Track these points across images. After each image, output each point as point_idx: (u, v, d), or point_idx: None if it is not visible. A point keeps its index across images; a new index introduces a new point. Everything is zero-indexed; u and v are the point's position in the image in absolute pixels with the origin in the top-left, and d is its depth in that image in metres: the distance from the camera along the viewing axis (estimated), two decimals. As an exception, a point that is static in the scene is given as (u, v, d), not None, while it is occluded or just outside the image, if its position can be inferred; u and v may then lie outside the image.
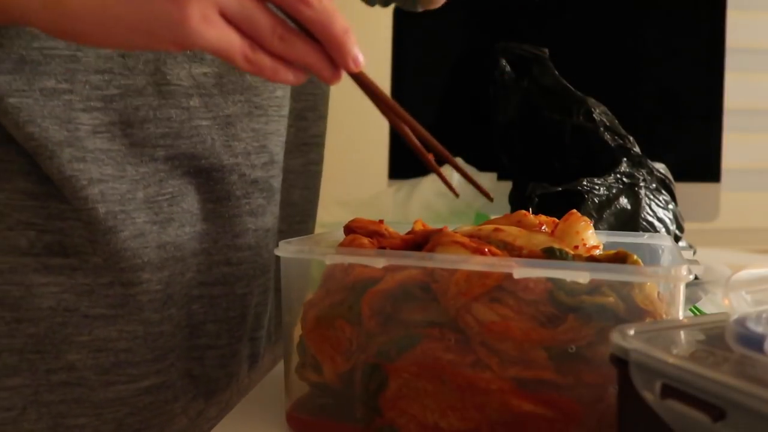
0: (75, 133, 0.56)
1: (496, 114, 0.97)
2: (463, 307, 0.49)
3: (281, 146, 0.69)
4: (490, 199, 0.59)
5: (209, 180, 0.64)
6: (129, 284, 0.60)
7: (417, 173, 1.12)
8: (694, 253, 0.83)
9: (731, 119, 1.20)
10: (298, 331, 0.56)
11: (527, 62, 0.95)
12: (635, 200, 0.85)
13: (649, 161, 0.89)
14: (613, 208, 0.83)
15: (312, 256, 0.55)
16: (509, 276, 0.48)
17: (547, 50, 0.95)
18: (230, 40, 0.46)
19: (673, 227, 0.87)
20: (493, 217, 0.62)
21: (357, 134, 1.31)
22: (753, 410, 0.32)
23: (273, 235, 0.71)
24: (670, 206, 0.88)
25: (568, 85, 0.93)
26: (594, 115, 0.90)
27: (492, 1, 1.17)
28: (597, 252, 0.54)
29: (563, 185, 0.84)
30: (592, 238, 0.55)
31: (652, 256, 0.60)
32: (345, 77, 0.50)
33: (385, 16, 1.14)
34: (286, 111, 0.69)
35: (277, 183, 0.69)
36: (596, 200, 0.83)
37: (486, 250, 0.51)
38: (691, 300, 0.79)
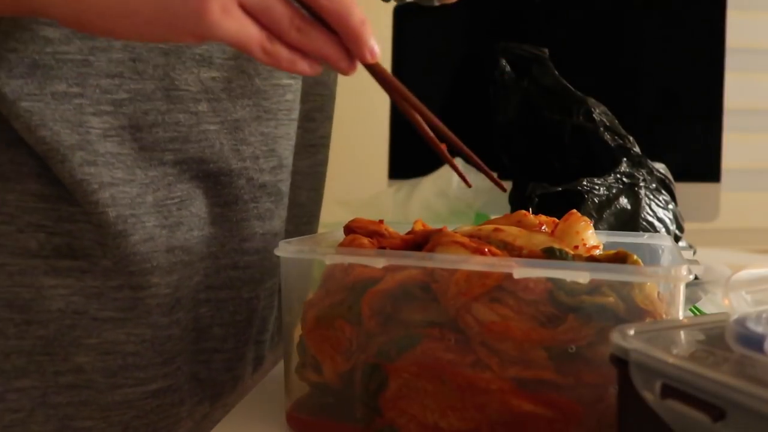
0: (86, 136, 0.56)
1: (496, 114, 0.97)
2: (463, 307, 0.49)
3: (290, 150, 0.69)
4: (504, 189, 0.60)
5: (217, 184, 0.64)
6: (138, 288, 0.60)
7: (417, 173, 1.12)
8: (694, 253, 0.83)
9: (731, 119, 1.20)
10: (298, 331, 0.56)
11: (527, 62, 0.95)
12: (635, 200, 0.85)
13: (649, 161, 0.89)
14: (613, 208, 0.83)
15: (312, 256, 0.55)
16: (509, 276, 0.48)
17: (547, 50, 0.95)
18: (249, 32, 0.46)
19: (673, 227, 0.87)
20: (493, 217, 0.62)
21: (357, 134, 1.31)
22: (753, 410, 0.32)
23: (281, 239, 0.71)
24: (670, 206, 0.88)
25: (568, 85, 0.93)
26: (594, 115, 0.90)
27: (492, 1, 1.17)
28: (597, 252, 0.54)
29: (563, 185, 0.84)
30: (592, 238, 0.55)
31: (652, 256, 0.60)
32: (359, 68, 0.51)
33: (385, 15, 1.14)
34: (295, 114, 0.69)
35: (285, 187, 0.69)
36: (596, 200, 0.83)
37: (486, 250, 0.51)
38: (691, 300, 0.78)
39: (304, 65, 0.48)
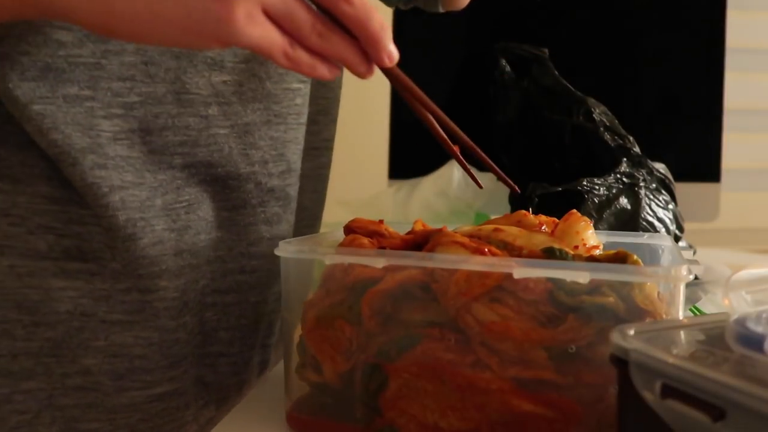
0: (96, 139, 0.56)
1: (496, 114, 0.97)
2: (463, 307, 0.49)
3: (299, 154, 0.69)
4: (517, 192, 0.60)
5: (225, 188, 0.64)
6: (146, 291, 0.60)
7: (417, 173, 1.12)
8: (694, 253, 0.83)
9: (731, 119, 1.20)
10: (298, 331, 0.56)
11: (527, 62, 0.95)
12: (635, 200, 0.85)
13: (649, 161, 0.89)
14: (613, 208, 0.83)
15: (312, 256, 0.55)
16: (509, 276, 0.48)
17: (547, 50, 0.95)
18: (272, 37, 0.46)
19: (673, 227, 0.87)
20: (493, 217, 0.62)
21: (357, 134, 1.31)
22: (753, 410, 0.32)
23: None
24: (670, 206, 0.88)
25: (568, 85, 0.93)
26: (594, 115, 0.90)
27: (492, 2, 1.17)
28: (597, 252, 0.54)
29: (563, 185, 0.84)
30: (592, 238, 0.55)
31: (652, 256, 0.60)
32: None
33: (385, 16, 1.14)
34: (304, 119, 0.69)
35: (293, 191, 0.69)
36: (596, 200, 0.83)
37: (486, 250, 0.51)
38: (691, 300, 0.78)
39: (323, 69, 0.49)
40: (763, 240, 1.72)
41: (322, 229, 0.81)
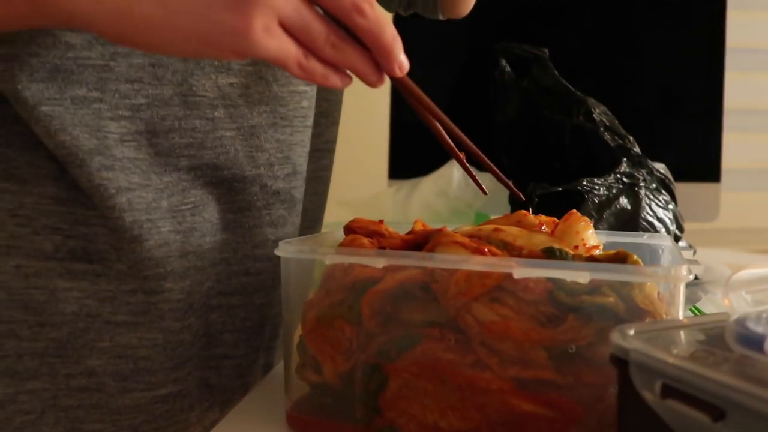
0: (104, 141, 0.56)
1: (496, 114, 0.97)
2: (463, 307, 0.49)
3: (305, 157, 0.69)
4: (521, 199, 0.61)
5: (231, 190, 0.64)
6: (151, 292, 0.60)
7: (417, 173, 1.12)
8: (694, 253, 0.83)
9: (731, 119, 1.20)
10: (298, 331, 0.56)
11: (527, 62, 0.95)
12: (635, 200, 0.85)
13: (649, 161, 0.89)
14: (613, 208, 0.83)
15: (312, 256, 0.55)
16: (509, 276, 0.48)
17: (547, 50, 0.95)
18: (287, 49, 0.47)
19: (673, 227, 0.87)
20: (493, 217, 0.62)
21: (357, 134, 1.31)
22: (753, 410, 0.32)
23: None
24: (670, 206, 0.88)
25: (568, 85, 0.93)
26: (594, 115, 0.90)
27: (492, 2, 1.17)
28: (597, 252, 0.54)
29: (563, 185, 0.84)
30: (592, 238, 0.55)
31: (652, 256, 0.60)
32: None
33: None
34: (310, 122, 0.69)
35: (299, 194, 0.69)
36: (596, 200, 0.83)
37: (486, 250, 0.51)
38: (691, 300, 0.79)
39: (335, 79, 0.50)
40: (763, 240, 1.72)
41: (323, 230, 0.81)
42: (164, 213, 0.60)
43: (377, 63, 0.50)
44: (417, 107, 0.56)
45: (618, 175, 0.85)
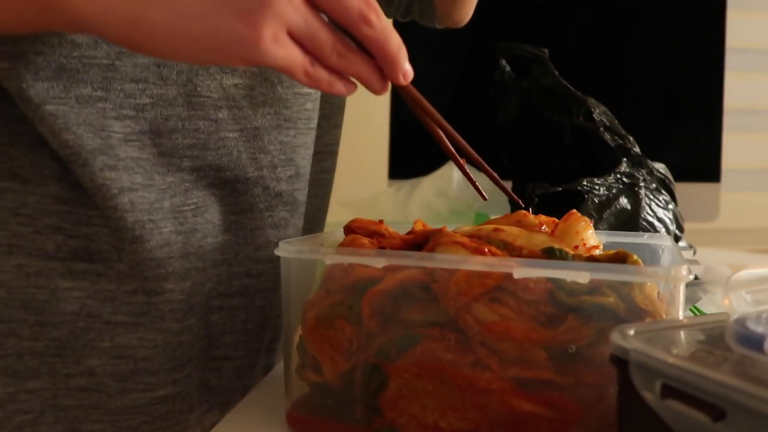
0: (108, 141, 0.56)
1: (496, 114, 0.97)
2: (463, 307, 0.49)
3: (308, 159, 0.69)
4: (521, 206, 0.61)
5: (233, 192, 0.64)
6: (152, 293, 0.60)
7: (417, 173, 1.12)
8: (694, 253, 0.83)
9: (731, 119, 1.20)
10: (298, 332, 0.56)
11: (527, 62, 0.95)
12: (635, 200, 0.85)
13: (649, 161, 0.89)
14: (613, 208, 0.83)
15: (312, 256, 0.55)
16: (509, 276, 0.48)
17: (547, 50, 0.95)
18: (295, 57, 0.48)
19: (673, 227, 0.87)
20: (493, 217, 0.62)
21: (357, 135, 1.31)
22: (753, 410, 0.32)
23: None
24: (670, 206, 0.88)
25: (568, 85, 0.93)
26: (594, 115, 0.90)
27: (493, 2, 1.17)
28: (597, 252, 0.54)
29: (563, 185, 0.84)
30: (592, 238, 0.55)
31: (652, 256, 0.60)
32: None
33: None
34: (314, 124, 0.69)
35: (302, 196, 0.69)
36: (596, 200, 0.83)
37: (486, 250, 0.51)
38: (691, 300, 0.79)
39: (341, 86, 0.51)
40: (763, 240, 1.72)
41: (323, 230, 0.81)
42: (166, 213, 0.60)
43: (382, 71, 0.51)
44: (419, 113, 0.57)
45: (618, 175, 0.85)
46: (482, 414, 0.48)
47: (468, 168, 0.59)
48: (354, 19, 0.48)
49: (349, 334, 0.52)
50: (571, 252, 0.51)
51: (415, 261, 0.51)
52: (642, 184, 0.85)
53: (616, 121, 0.91)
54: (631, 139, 0.90)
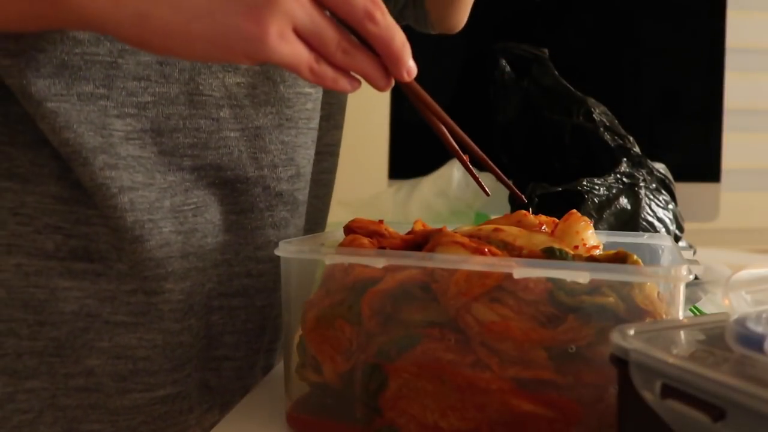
0: (109, 139, 0.56)
1: (496, 114, 0.97)
2: (463, 307, 0.49)
3: (308, 159, 0.69)
4: (523, 201, 0.62)
5: (233, 191, 0.64)
6: (152, 293, 0.60)
7: (417, 173, 1.12)
8: (694, 253, 0.83)
9: (731, 119, 1.20)
10: (298, 332, 0.56)
11: (527, 62, 0.95)
12: (635, 200, 0.85)
13: (649, 161, 0.89)
14: (613, 208, 0.83)
15: (312, 256, 0.55)
16: (509, 276, 0.48)
17: (547, 50, 0.95)
18: (300, 54, 0.48)
19: (673, 227, 0.87)
20: (493, 217, 0.62)
21: (357, 134, 1.31)
22: (753, 410, 0.32)
23: None
24: (670, 206, 0.88)
25: (568, 85, 0.93)
26: (594, 115, 0.90)
27: (492, 2, 1.17)
28: (597, 252, 0.54)
29: (563, 185, 0.84)
30: (592, 238, 0.55)
31: (652, 256, 0.60)
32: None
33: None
34: (315, 123, 0.69)
35: (302, 196, 0.69)
36: (596, 200, 0.83)
37: (486, 250, 0.51)
38: (691, 300, 0.79)
39: (345, 83, 0.51)
40: (763, 240, 1.72)
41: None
42: (166, 213, 0.60)
43: (386, 68, 0.51)
44: (423, 110, 0.57)
45: (618, 175, 0.85)
46: (482, 414, 0.48)
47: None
48: (359, 16, 0.48)
49: (349, 334, 0.52)
50: (571, 252, 0.51)
51: (415, 261, 0.51)
52: (642, 184, 0.85)
53: (616, 121, 0.91)
54: (631, 139, 0.90)
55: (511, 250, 0.53)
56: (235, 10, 0.46)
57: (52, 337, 0.58)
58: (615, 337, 0.39)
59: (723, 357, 0.36)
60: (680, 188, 0.95)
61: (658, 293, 0.49)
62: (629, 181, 0.85)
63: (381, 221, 0.58)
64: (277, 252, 0.54)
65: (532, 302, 0.48)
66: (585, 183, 0.83)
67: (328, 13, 0.49)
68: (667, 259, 0.59)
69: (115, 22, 0.47)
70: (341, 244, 0.56)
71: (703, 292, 0.83)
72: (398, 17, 0.85)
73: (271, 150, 0.65)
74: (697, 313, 0.74)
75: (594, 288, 0.47)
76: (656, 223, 0.85)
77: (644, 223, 0.84)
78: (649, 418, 0.36)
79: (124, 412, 0.60)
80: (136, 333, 0.60)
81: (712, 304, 0.77)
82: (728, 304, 0.38)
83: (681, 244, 0.90)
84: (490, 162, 0.58)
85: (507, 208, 0.89)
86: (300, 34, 0.48)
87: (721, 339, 0.36)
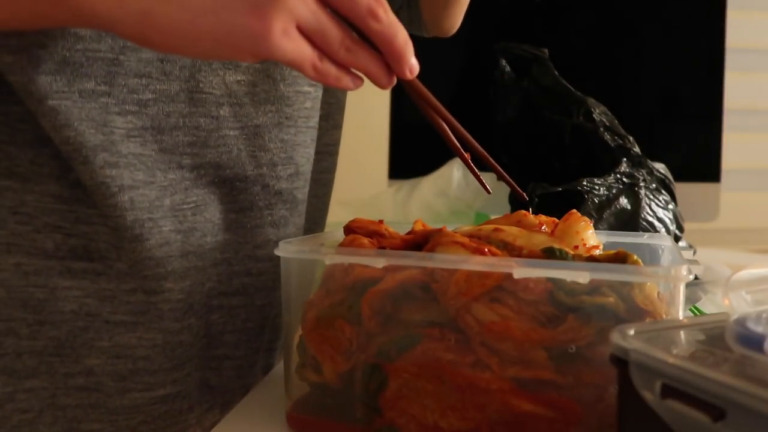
0: (110, 137, 0.56)
1: (495, 114, 0.97)
2: (463, 307, 0.49)
3: (308, 158, 0.69)
4: (525, 199, 0.62)
5: (233, 190, 0.64)
6: (151, 292, 0.60)
7: (417, 173, 1.12)
8: (694, 253, 0.83)
9: (731, 119, 1.20)
10: (298, 332, 0.56)
11: (527, 62, 0.95)
12: (635, 200, 0.85)
13: (649, 161, 0.89)
14: (613, 208, 0.83)
15: (312, 256, 0.55)
16: (509, 276, 0.48)
17: (547, 50, 0.95)
18: (303, 51, 0.48)
19: (673, 227, 0.87)
20: (493, 217, 0.62)
21: (357, 134, 1.31)
22: (753, 410, 0.32)
23: None
24: (670, 206, 0.88)
25: (568, 85, 0.93)
26: (594, 115, 0.90)
27: (492, 2, 1.17)
28: (597, 252, 0.54)
29: (563, 185, 0.84)
30: (592, 238, 0.55)
31: (652, 256, 0.60)
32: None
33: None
34: (314, 122, 0.69)
35: (301, 195, 0.69)
36: (596, 200, 0.83)
37: (486, 250, 0.51)
38: (691, 300, 0.79)
39: (348, 81, 0.51)
40: (763, 240, 1.72)
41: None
42: (166, 212, 0.60)
43: (388, 65, 0.51)
44: (425, 108, 0.57)
45: (618, 175, 0.85)
46: (482, 414, 0.48)
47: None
48: (362, 13, 0.48)
49: (349, 334, 0.52)
50: (571, 252, 0.51)
51: (415, 261, 0.51)
52: (642, 184, 0.85)
53: (616, 121, 0.91)
54: (631, 139, 0.90)
55: (511, 250, 0.53)
56: (239, 8, 0.46)
57: (52, 336, 0.58)
58: (615, 337, 0.39)
59: (723, 357, 0.36)
60: (680, 188, 0.95)
61: (658, 293, 0.49)
62: (629, 181, 0.85)
63: (381, 221, 0.58)
64: (277, 252, 0.54)
65: (532, 302, 0.48)
66: (585, 183, 0.83)
67: (330, 10, 0.49)
68: (667, 259, 0.59)
69: (120, 19, 0.47)
70: (341, 244, 0.56)
71: (703, 292, 0.83)
72: None
73: (271, 148, 0.65)
74: (697, 313, 0.74)
75: (594, 288, 0.47)
76: (656, 223, 0.85)
77: (644, 223, 0.84)
78: (649, 418, 0.36)
79: (123, 412, 0.60)
80: (135, 332, 0.60)
81: (712, 304, 0.77)
82: (728, 304, 0.38)
83: (681, 244, 0.90)
84: (491, 160, 0.58)
85: (507, 208, 0.89)
86: (303, 32, 0.48)
87: (721, 339, 0.36)
